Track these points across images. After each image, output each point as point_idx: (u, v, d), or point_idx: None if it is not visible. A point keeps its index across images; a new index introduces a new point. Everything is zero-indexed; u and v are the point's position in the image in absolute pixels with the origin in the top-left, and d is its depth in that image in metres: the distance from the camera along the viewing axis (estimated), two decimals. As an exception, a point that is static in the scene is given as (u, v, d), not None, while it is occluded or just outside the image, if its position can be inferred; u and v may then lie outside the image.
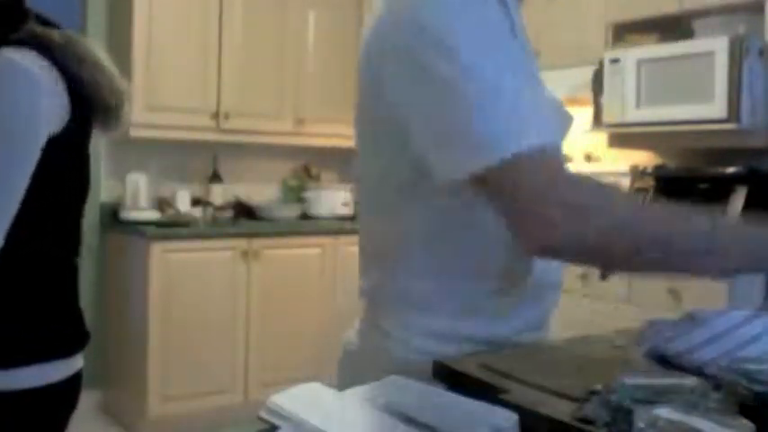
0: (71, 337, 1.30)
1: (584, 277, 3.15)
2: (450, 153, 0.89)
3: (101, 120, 1.32)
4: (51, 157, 1.21)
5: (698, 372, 1.03)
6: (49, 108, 1.19)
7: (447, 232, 1.02)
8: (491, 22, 0.90)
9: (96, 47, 1.30)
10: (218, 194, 4.10)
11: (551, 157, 0.91)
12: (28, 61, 1.17)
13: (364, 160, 1.07)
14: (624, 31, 3.40)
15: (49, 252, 1.26)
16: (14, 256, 1.20)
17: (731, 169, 3.01)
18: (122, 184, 3.89)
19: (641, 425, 0.79)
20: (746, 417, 0.83)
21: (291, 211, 4.28)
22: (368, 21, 1.06)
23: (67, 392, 1.30)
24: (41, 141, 1.17)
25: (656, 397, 0.87)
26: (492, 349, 1.17)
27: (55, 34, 1.24)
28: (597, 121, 3.36)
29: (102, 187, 3.97)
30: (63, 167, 1.26)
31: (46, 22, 1.27)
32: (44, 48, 1.21)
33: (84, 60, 1.25)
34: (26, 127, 1.15)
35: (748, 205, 2.93)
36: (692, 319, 1.09)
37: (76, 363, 1.31)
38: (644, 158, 3.55)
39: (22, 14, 1.24)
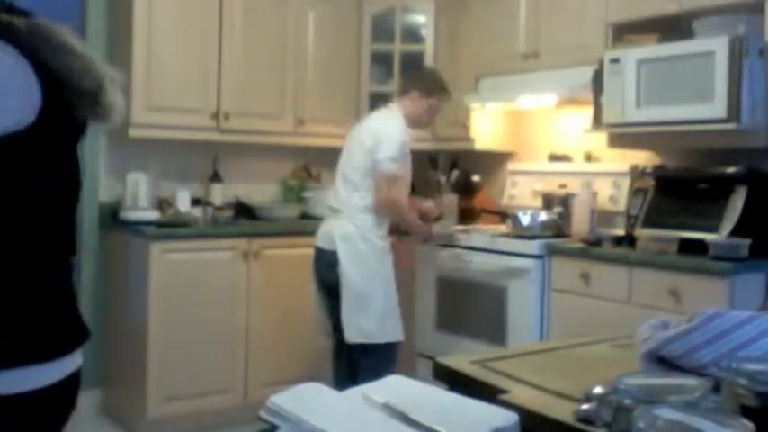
0: (66, 335, 1.29)
1: (584, 277, 3.15)
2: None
3: (84, 107, 1.27)
4: (29, 146, 1.19)
5: (698, 372, 1.03)
6: (14, 93, 1.16)
7: None
8: None
9: (67, 33, 1.27)
10: (218, 194, 4.10)
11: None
12: None
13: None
14: (624, 31, 3.40)
15: (38, 249, 1.24)
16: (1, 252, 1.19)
17: (731, 169, 3.01)
18: (122, 184, 3.89)
19: (641, 425, 0.79)
20: (746, 417, 0.83)
21: (291, 211, 4.28)
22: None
23: (66, 392, 1.29)
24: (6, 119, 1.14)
25: (656, 397, 0.87)
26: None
27: (19, 21, 1.21)
28: (597, 121, 3.35)
29: (102, 187, 3.96)
30: (44, 158, 1.23)
31: (12, 11, 1.24)
32: (8, 35, 1.18)
33: (53, 46, 1.22)
34: None
35: (748, 205, 2.93)
36: (691, 320, 1.09)
37: (75, 361, 1.31)
38: (644, 158, 3.55)
39: None
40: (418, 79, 3.52)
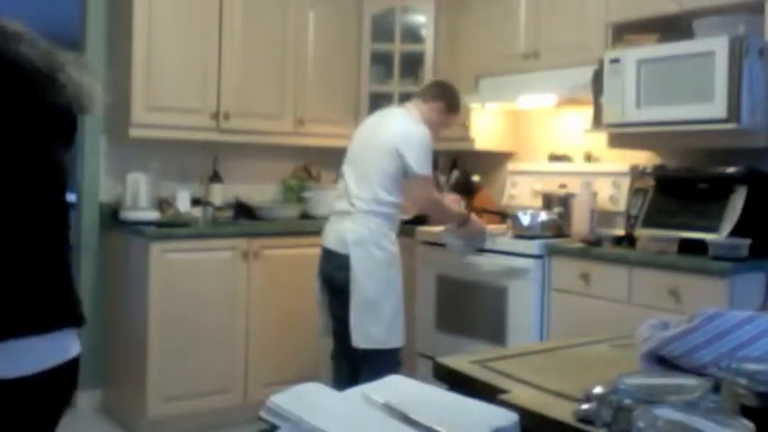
0: (55, 312, 1.30)
1: (584, 277, 3.15)
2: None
3: (43, 89, 1.30)
4: None
5: (698, 372, 1.03)
6: None
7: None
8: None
9: (11, 21, 1.31)
10: (218, 194, 4.10)
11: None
12: None
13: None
14: (624, 31, 3.40)
15: (20, 237, 1.26)
16: None
17: (731, 169, 3.01)
18: (122, 184, 3.89)
19: (641, 425, 0.79)
20: (746, 417, 0.83)
21: (291, 211, 4.28)
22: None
23: (64, 378, 1.30)
24: None
25: (656, 397, 0.87)
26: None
27: None
28: (597, 121, 3.35)
29: (102, 187, 3.96)
30: (17, 149, 1.26)
31: None
32: None
33: (2, 34, 1.27)
34: None
35: (748, 205, 2.93)
36: (691, 320, 1.09)
37: (72, 348, 1.31)
38: (644, 158, 3.55)
39: None
40: (448, 93, 3.44)
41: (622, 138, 3.36)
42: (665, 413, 0.80)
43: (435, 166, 4.44)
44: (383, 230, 3.21)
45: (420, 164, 3.20)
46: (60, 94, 1.32)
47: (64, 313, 1.32)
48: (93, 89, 1.36)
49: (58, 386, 1.30)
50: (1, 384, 1.20)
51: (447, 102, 3.40)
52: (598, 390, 0.95)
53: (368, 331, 3.17)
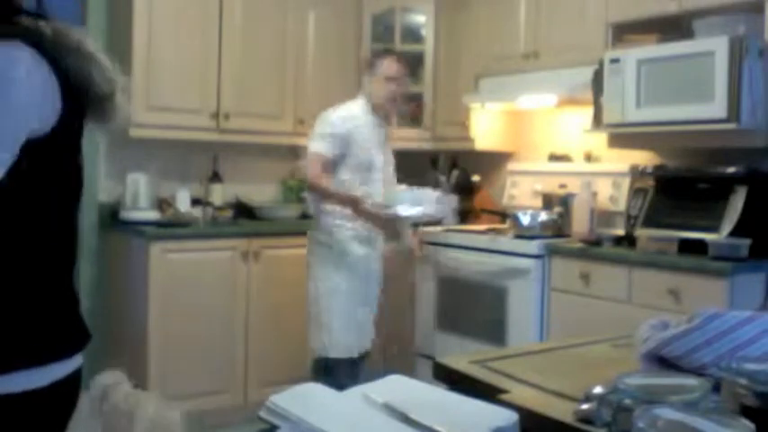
0: (69, 340, 1.30)
1: (584, 277, 3.15)
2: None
3: (94, 111, 1.30)
4: (50, 151, 1.21)
5: (698, 372, 1.03)
6: (39, 99, 1.17)
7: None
8: None
9: (87, 38, 1.29)
10: (218, 194, 4.10)
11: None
12: (17, 52, 1.16)
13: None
14: (624, 31, 3.40)
15: (45, 253, 1.26)
16: (9, 255, 1.20)
17: (731, 169, 3.01)
18: (122, 184, 3.89)
19: (641, 425, 0.79)
20: (746, 417, 0.83)
21: (291, 211, 4.28)
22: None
23: (69, 390, 1.31)
24: (28, 129, 1.16)
25: (656, 397, 0.87)
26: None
27: (45, 27, 1.23)
28: (597, 121, 3.35)
29: (102, 187, 3.96)
30: (61, 162, 1.26)
31: (38, 15, 1.26)
32: (34, 40, 1.20)
33: (74, 51, 1.24)
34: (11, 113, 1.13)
35: (748, 205, 2.93)
36: (691, 320, 1.09)
37: (76, 361, 1.32)
38: (644, 158, 3.55)
39: (12, 8, 1.24)
40: (366, 61, 3.68)
41: (622, 138, 3.36)
42: (665, 413, 0.80)
43: (435, 165, 4.47)
44: (330, 230, 3.30)
45: (311, 139, 3.30)
46: (102, 117, 1.33)
47: (78, 339, 1.34)
48: (127, 111, 1.37)
49: (64, 396, 1.31)
50: (10, 398, 1.20)
51: (370, 66, 3.49)
52: (598, 390, 0.95)
53: (313, 335, 3.29)
